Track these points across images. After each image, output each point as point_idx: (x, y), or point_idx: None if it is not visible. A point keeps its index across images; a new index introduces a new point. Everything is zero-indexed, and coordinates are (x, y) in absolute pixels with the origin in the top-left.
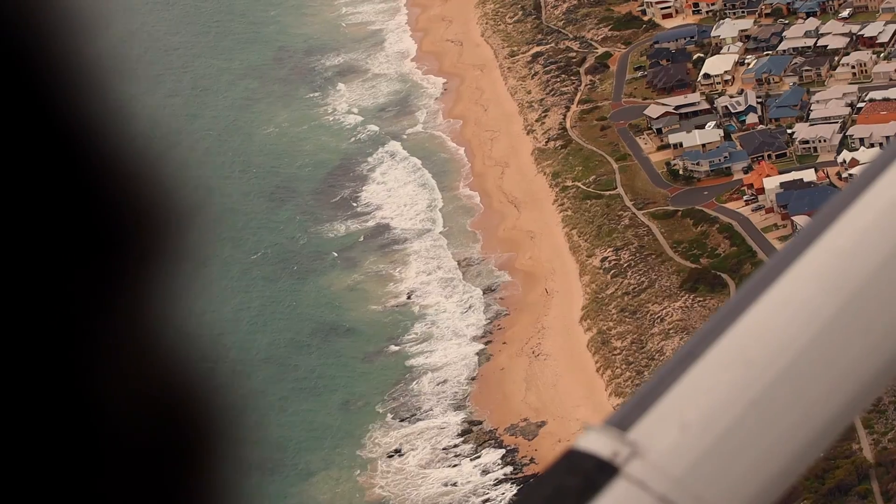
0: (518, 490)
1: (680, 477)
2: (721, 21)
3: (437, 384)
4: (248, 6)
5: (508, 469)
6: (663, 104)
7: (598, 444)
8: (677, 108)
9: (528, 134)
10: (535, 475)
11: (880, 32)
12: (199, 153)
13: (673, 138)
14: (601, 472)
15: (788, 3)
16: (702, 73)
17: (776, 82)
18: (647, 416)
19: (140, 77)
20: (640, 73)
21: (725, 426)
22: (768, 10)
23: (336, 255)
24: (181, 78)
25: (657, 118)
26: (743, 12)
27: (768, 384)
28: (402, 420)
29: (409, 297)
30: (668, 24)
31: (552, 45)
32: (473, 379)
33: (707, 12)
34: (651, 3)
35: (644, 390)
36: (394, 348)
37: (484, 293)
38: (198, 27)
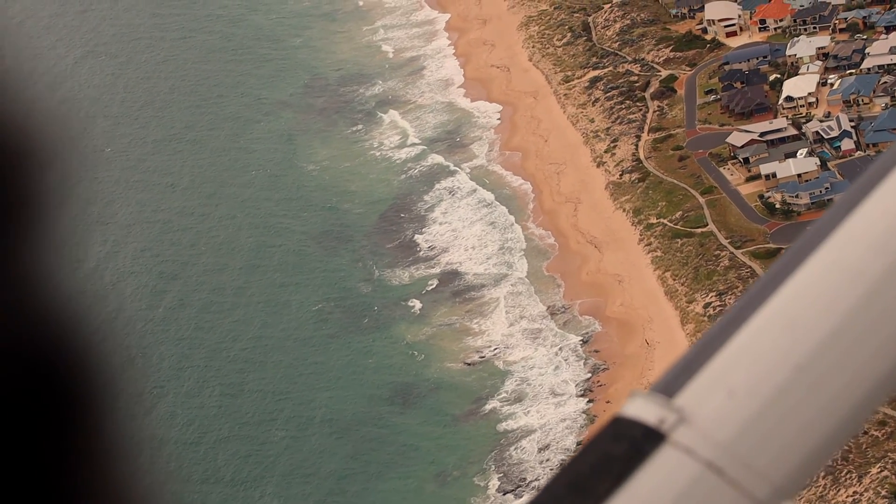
0: (566, 458)
1: (727, 443)
2: (795, 39)
3: (540, 449)
4: (274, 32)
5: None
6: (746, 131)
7: (644, 410)
8: (762, 134)
9: (598, 166)
10: (582, 442)
11: None
12: (232, 191)
13: (764, 169)
14: (648, 438)
15: (864, 18)
16: (783, 95)
17: (866, 103)
18: (694, 382)
19: (168, 119)
20: (712, 97)
21: (772, 391)
22: (843, 26)
23: (406, 304)
24: (208, 111)
25: (742, 147)
26: (815, 28)
27: (814, 348)
28: (506, 493)
29: (492, 351)
30: (734, 42)
31: (610, 68)
32: (580, 444)
33: (775, 29)
34: (713, 20)
35: (690, 356)
36: (483, 410)
37: (576, 345)
38: (228, 54)
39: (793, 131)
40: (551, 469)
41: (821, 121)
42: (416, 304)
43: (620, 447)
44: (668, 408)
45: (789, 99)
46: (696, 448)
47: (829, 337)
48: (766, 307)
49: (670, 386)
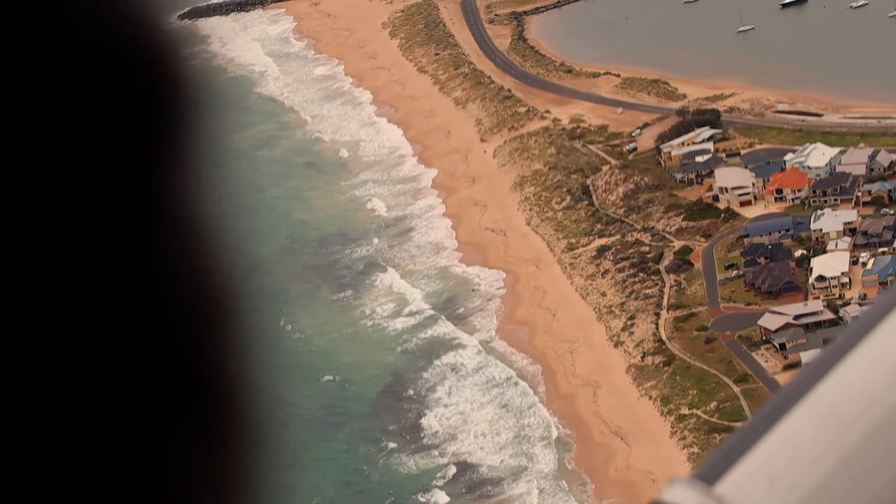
0: None
1: None
2: (819, 212)
3: None
4: (253, 180)
5: None
6: (780, 313)
7: (683, 497)
8: (797, 317)
9: (615, 346)
10: None
11: None
12: None
13: (805, 357)
14: None
15: (890, 191)
16: (814, 275)
17: None
18: (735, 470)
19: None
20: (734, 273)
21: (815, 483)
22: (867, 199)
23: (419, 500)
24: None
25: (776, 331)
26: (836, 200)
27: (859, 441)
28: None
29: None
30: (749, 212)
31: (617, 236)
32: None
33: (793, 200)
34: (725, 188)
35: (731, 443)
36: None
37: None
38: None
39: (829, 315)
40: None
41: (860, 304)
42: (432, 500)
43: None
44: (708, 495)
45: (821, 278)
46: None
47: (875, 430)
48: (810, 397)
49: (711, 473)
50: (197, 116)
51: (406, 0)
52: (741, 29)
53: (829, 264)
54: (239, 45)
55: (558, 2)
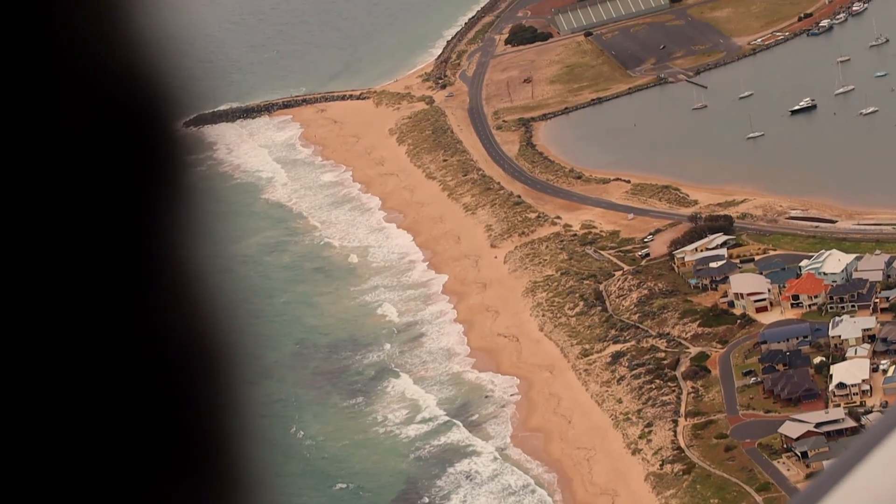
0: None
1: None
2: (837, 319)
3: None
4: (263, 285)
5: None
6: (801, 420)
7: None
8: (819, 425)
9: (633, 454)
10: None
11: None
12: None
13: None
14: None
15: None
16: (834, 382)
17: None
18: None
19: None
20: (752, 379)
21: None
22: (885, 306)
23: None
24: None
25: (798, 439)
26: (854, 307)
27: None
28: None
29: None
30: (765, 318)
31: (632, 342)
32: None
33: (810, 306)
34: (740, 294)
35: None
36: None
37: None
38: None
39: (852, 423)
40: None
41: (881, 411)
42: None
43: None
44: None
45: (841, 386)
46: None
47: None
48: (845, 482)
49: None
50: (204, 223)
51: (413, 106)
52: (751, 135)
53: (850, 371)
54: (246, 151)
55: (566, 108)
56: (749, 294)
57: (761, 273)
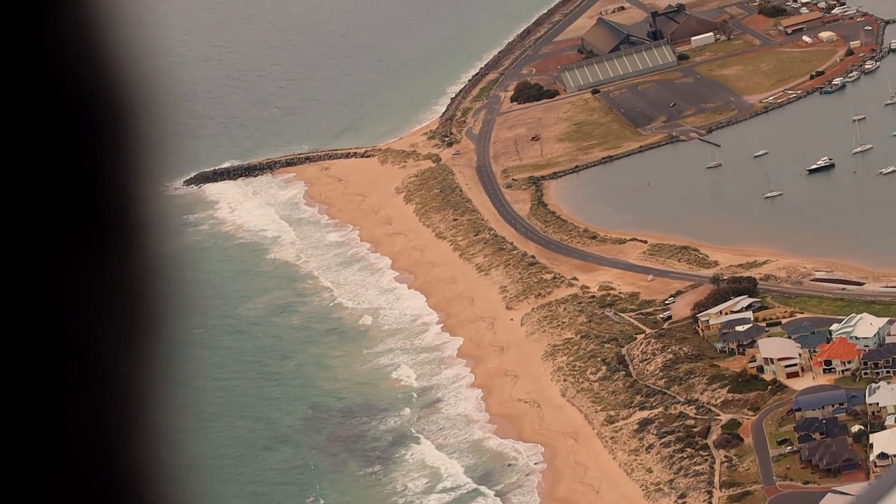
0: None
1: None
2: (874, 385)
3: None
4: (276, 346)
5: None
6: (843, 493)
7: None
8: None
9: None
10: None
11: None
12: None
13: None
14: None
15: None
16: (875, 452)
17: None
18: None
19: None
20: (787, 449)
21: None
22: None
23: None
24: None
25: None
26: (889, 372)
27: None
28: None
29: None
30: (795, 384)
31: (660, 409)
32: None
33: (842, 371)
34: (770, 359)
35: None
36: None
37: None
38: (225, 371)
39: None
40: None
41: None
42: None
43: None
44: None
45: (883, 456)
46: None
47: None
48: None
49: None
50: (206, 285)
51: (419, 164)
52: (769, 195)
53: (891, 441)
54: (249, 209)
55: (576, 166)
56: (779, 359)
57: (790, 337)
